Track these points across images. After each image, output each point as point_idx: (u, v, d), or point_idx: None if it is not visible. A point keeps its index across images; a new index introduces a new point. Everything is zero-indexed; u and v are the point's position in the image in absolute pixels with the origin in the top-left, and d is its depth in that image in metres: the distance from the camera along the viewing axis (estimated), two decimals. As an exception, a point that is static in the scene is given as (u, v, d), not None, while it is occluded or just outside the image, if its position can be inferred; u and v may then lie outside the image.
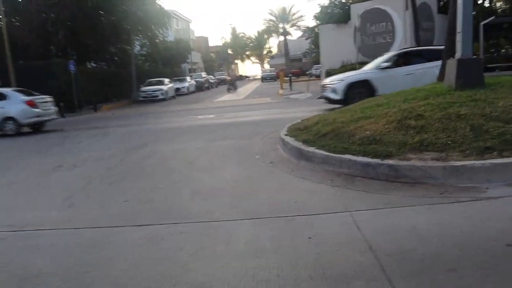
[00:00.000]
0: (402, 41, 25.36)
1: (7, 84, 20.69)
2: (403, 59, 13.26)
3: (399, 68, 12.73)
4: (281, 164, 6.12)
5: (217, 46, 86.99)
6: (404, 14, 25.29)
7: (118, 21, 27.51)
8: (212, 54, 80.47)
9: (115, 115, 20.63)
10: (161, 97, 28.60)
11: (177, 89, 33.75)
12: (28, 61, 23.89)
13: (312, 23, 69.77)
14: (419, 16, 24.01)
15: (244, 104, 19.86)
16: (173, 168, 6.63)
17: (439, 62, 9.70)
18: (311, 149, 6.02)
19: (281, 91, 24.49)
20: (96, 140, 11.17)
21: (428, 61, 12.19)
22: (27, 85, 23.21)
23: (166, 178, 6.03)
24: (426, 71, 11.44)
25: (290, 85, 26.01)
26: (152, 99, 28.33)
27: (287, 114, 13.35)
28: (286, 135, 7.42)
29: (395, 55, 13.57)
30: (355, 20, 26.52)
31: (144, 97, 28.75)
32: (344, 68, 25.86)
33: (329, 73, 27.95)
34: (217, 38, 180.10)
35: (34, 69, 23.03)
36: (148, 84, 30.22)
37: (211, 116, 15.28)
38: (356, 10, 26.34)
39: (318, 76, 46.32)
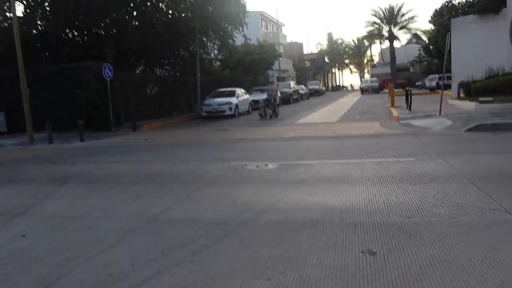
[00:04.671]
0: None
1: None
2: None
3: None
4: None
5: (312, 54, 79.48)
6: None
7: (176, 16, 21.46)
8: (306, 61, 73.12)
9: (147, 140, 14.19)
10: (228, 112, 21.79)
11: (255, 102, 26.85)
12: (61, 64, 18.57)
13: (424, 25, 58.96)
14: None
15: (337, 135, 12.18)
16: None
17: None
18: None
19: (395, 112, 16.37)
20: None
21: None
22: (47, 97, 18.02)
23: None
24: None
25: (409, 102, 17.71)
26: (219, 115, 21.70)
27: (443, 185, 5.51)
28: None
29: None
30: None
31: (207, 112, 22.19)
32: (495, 79, 16.97)
33: (465, 85, 19.14)
34: (313, 45, 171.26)
35: (58, 76, 17.58)
36: (216, 95, 23.59)
37: (269, 166, 7.86)
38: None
39: (432, 89, 37.00)
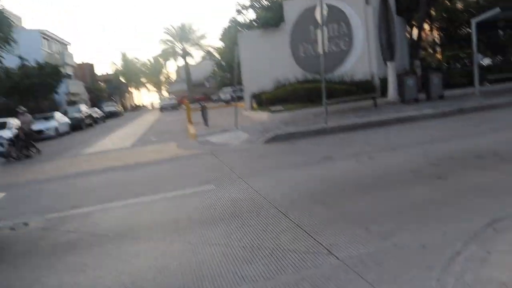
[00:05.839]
0: (364, 46, 17.93)
1: None
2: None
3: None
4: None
5: (108, 75, 75.21)
6: (365, 11, 17.86)
7: None
8: (100, 83, 68.59)
9: None
10: (-1, 149, 17.81)
11: (39, 132, 22.88)
12: None
13: (216, 43, 62.21)
14: (387, 13, 16.81)
15: (128, 163, 10.42)
16: None
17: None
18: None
19: (192, 129, 15.48)
20: None
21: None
22: None
23: None
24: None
25: (205, 118, 17.04)
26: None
27: (251, 221, 4.39)
28: None
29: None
30: (290, 21, 18.71)
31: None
32: (283, 89, 17.65)
33: (257, 97, 19.54)
34: (107, 65, 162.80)
35: None
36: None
37: (30, 225, 5.72)
38: (293, 7, 18.57)
39: (228, 102, 38.11)
